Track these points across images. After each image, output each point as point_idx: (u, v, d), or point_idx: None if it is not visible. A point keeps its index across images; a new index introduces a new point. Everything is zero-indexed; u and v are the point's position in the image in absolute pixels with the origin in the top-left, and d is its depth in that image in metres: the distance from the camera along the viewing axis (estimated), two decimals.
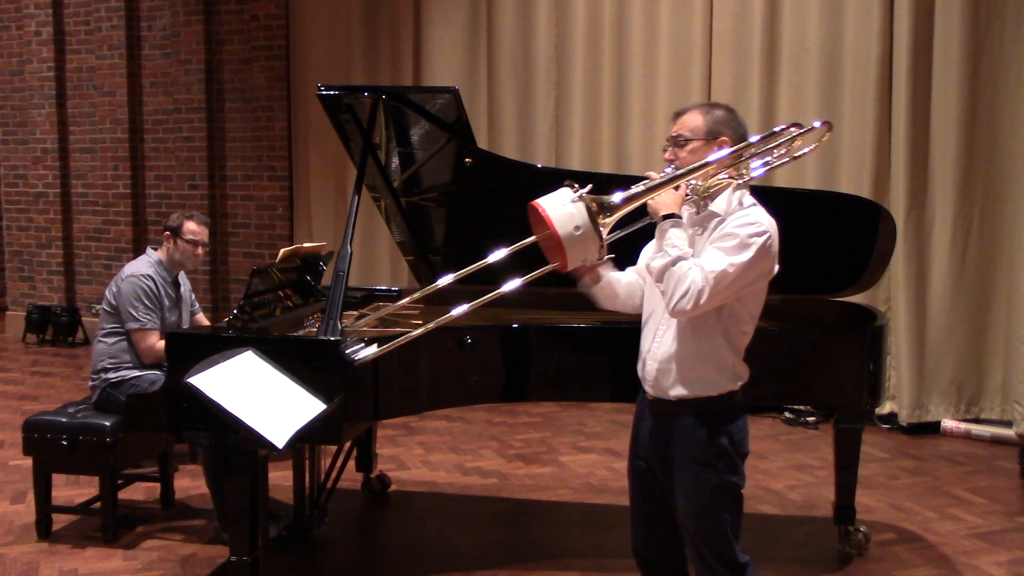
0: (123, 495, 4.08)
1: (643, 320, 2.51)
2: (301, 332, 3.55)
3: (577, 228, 2.15)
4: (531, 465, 4.93)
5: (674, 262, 2.23)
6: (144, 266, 4.02)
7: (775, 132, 2.40)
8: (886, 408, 5.62)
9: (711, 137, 2.37)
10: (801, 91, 5.67)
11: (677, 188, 2.31)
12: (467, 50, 6.72)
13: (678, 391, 2.36)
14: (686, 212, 2.37)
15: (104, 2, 7.87)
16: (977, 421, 5.52)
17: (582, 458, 5.05)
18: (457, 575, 3.57)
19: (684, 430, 2.37)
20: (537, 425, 5.72)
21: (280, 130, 7.56)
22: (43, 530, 3.83)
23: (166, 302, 4.03)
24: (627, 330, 3.31)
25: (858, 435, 3.69)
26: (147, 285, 3.93)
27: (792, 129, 2.40)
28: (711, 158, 2.32)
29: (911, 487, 4.60)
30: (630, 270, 2.63)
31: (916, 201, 5.45)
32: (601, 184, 2.29)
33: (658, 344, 2.41)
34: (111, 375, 3.91)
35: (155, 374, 3.88)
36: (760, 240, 2.24)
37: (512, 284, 2.36)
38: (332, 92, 3.52)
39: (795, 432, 5.57)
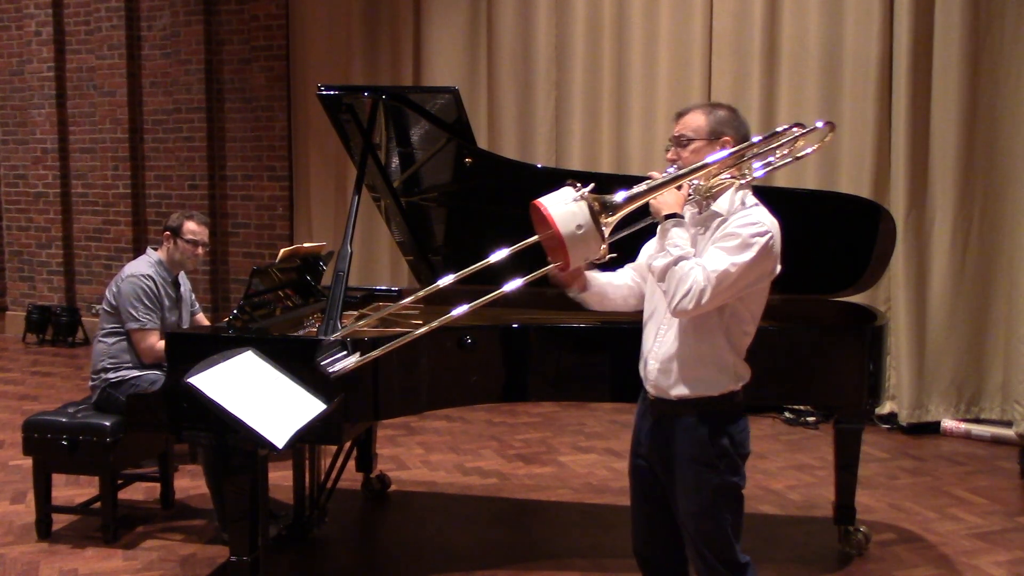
0: (123, 495, 4.08)
1: (644, 320, 2.51)
2: (301, 332, 3.56)
3: (579, 227, 2.15)
4: (531, 465, 4.93)
5: (676, 261, 2.23)
6: (144, 266, 4.02)
7: (777, 132, 2.40)
8: (886, 408, 5.63)
9: (714, 137, 2.37)
10: (801, 91, 5.68)
11: (680, 188, 2.31)
12: (467, 50, 6.72)
13: (679, 391, 2.36)
14: (688, 212, 2.37)
15: (104, 2, 7.87)
16: (977, 421, 5.52)
17: (582, 458, 5.05)
18: (457, 575, 3.57)
19: (685, 430, 2.37)
20: (537, 425, 5.72)
21: (280, 130, 7.56)
22: (43, 530, 3.83)
23: (166, 302, 4.03)
24: (627, 330, 3.31)
25: (858, 435, 3.69)
26: (147, 285, 3.93)
27: (794, 129, 2.40)
28: (713, 158, 2.31)
29: (911, 487, 4.60)
30: (628, 267, 2.62)
31: (916, 201, 5.45)
32: (601, 184, 2.29)
33: (659, 344, 2.41)
34: (111, 375, 3.91)
35: (155, 374, 3.88)
36: (762, 240, 2.24)
37: (512, 284, 2.36)
38: (332, 92, 3.52)
39: (795, 432, 5.57)
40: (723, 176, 2.34)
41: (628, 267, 2.62)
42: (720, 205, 2.35)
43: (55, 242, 8.31)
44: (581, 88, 6.31)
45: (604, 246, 2.19)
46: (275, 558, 3.53)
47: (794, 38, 5.69)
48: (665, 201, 2.29)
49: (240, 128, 7.71)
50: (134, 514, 4.07)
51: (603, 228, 2.16)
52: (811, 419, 5.69)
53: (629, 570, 2.73)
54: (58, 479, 4.00)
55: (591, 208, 2.16)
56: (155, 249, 4.16)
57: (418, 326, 2.57)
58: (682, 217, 2.29)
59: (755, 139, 2.39)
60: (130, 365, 3.93)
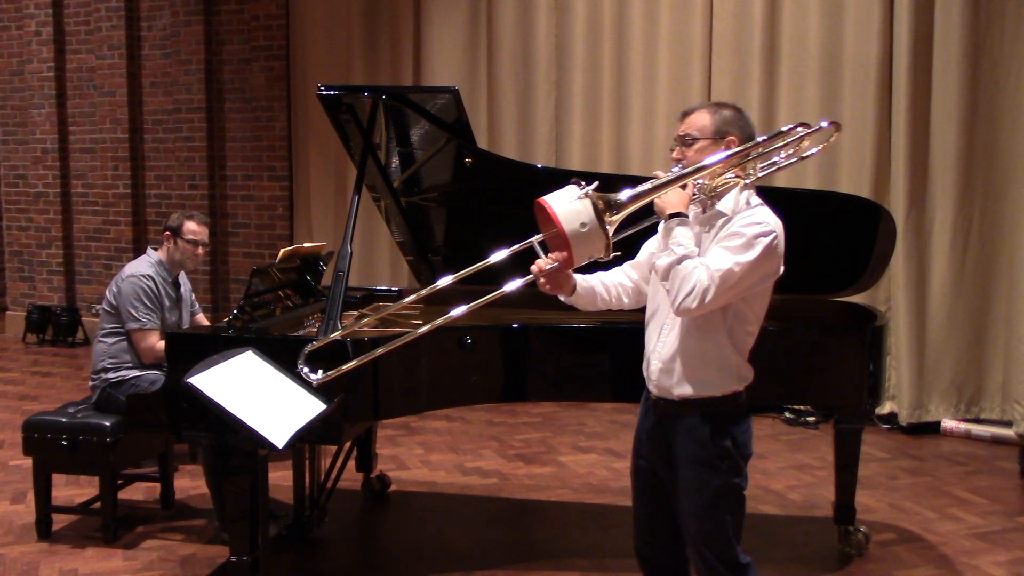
0: (123, 495, 4.08)
1: (647, 319, 2.51)
2: (301, 332, 3.56)
3: (583, 225, 2.15)
4: (531, 465, 4.93)
5: (680, 260, 2.23)
6: (144, 266, 4.02)
7: (782, 132, 2.40)
8: (886, 408, 5.63)
9: (719, 136, 2.37)
10: (801, 91, 5.68)
11: (684, 187, 2.31)
12: (467, 50, 6.72)
13: (682, 391, 2.36)
14: (692, 211, 2.36)
15: (104, 2, 7.87)
16: (977, 421, 5.52)
17: (582, 458, 5.05)
18: (457, 575, 3.57)
19: (687, 430, 2.37)
20: (537, 425, 5.72)
21: (280, 130, 7.56)
22: (43, 530, 3.83)
23: (166, 302, 4.03)
24: (627, 330, 3.32)
25: (858, 435, 3.69)
26: (147, 285, 3.93)
27: (799, 129, 2.39)
28: (718, 157, 2.31)
29: (911, 487, 4.60)
30: (626, 266, 2.61)
31: (916, 201, 5.45)
32: (602, 184, 2.28)
33: (662, 343, 2.41)
34: (111, 375, 3.91)
35: (155, 374, 3.88)
36: (766, 240, 2.23)
37: (511, 285, 2.36)
38: (332, 92, 3.52)
39: (795, 432, 5.57)
40: (728, 176, 2.34)
41: (623, 265, 2.62)
42: (724, 205, 2.35)
43: (55, 242, 8.31)
44: (581, 88, 6.31)
45: (608, 244, 2.18)
46: (275, 558, 3.54)
47: (794, 38, 5.69)
48: (669, 200, 2.29)
49: (240, 128, 7.71)
50: (134, 514, 4.07)
51: (607, 226, 2.16)
52: (811, 419, 5.69)
53: (629, 570, 2.73)
54: (58, 479, 4.00)
55: (595, 206, 2.16)
56: (155, 249, 4.16)
57: (418, 326, 2.56)
58: (686, 216, 2.29)
59: (760, 139, 2.39)
60: (130, 365, 3.93)
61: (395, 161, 3.93)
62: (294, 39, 7.41)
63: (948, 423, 5.52)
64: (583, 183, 2.20)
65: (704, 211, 2.39)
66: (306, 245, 4.12)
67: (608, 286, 2.57)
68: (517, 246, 2.38)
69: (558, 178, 2.37)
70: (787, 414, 5.78)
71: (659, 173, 2.33)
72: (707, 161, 2.32)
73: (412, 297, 2.63)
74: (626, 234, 2.32)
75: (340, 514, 4.12)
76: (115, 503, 3.83)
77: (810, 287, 3.70)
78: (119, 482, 3.98)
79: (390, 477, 4.53)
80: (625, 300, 2.59)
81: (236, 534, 3.08)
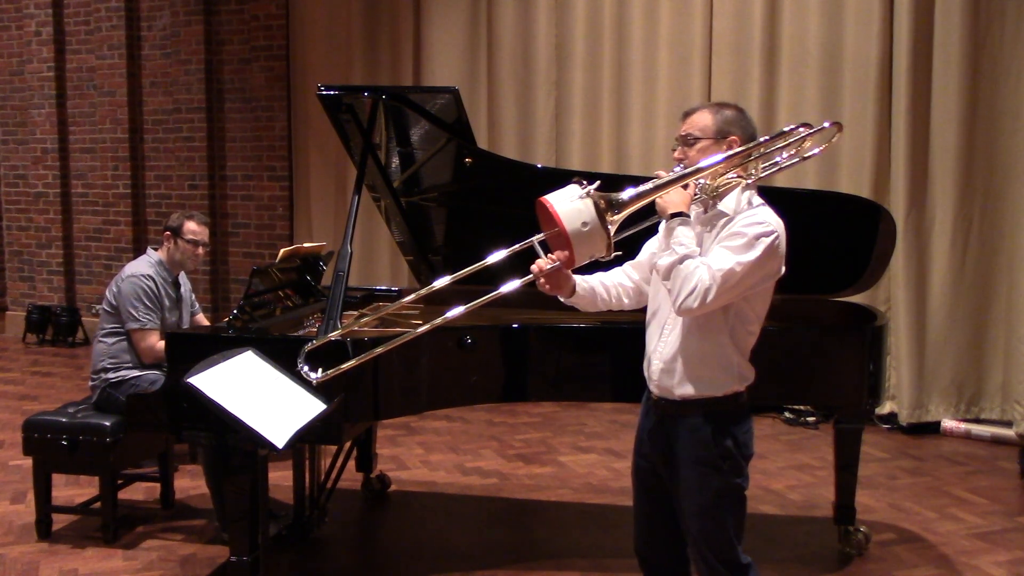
0: (123, 495, 4.07)
1: (648, 319, 2.51)
2: (301, 332, 3.56)
3: (585, 224, 2.15)
4: (531, 465, 4.93)
5: (681, 260, 2.22)
6: (144, 266, 4.02)
7: (784, 132, 2.40)
8: (886, 408, 5.63)
9: (720, 136, 2.37)
10: (801, 91, 5.68)
11: (686, 187, 2.31)
12: (467, 50, 6.72)
13: (683, 391, 2.36)
14: (694, 211, 2.36)
15: (104, 2, 7.87)
16: (977, 421, 5.52)
17: (582, 458, 5.05)
18: (457, 575, 3.57)
19: (689, 431, 2.37)
20: (537, 425, 5.72)
21: (280, 130, 7.56)
22: (43, 530, 3.83)
23: (166, 302, 4.03)
24: (627, 330, 3.32)
25: (858, 435, 3.69)
26: (147, 285, 3.93)
27: (801, 129, 2.39)
28: (720, 157, 2.31)
29: (911, 487, 4.60)
30: (627, 266, 2.61)
31: (916, 201, 5.45)
32: (602, 184, 2.28)
33: (663, 343, 2.41)
34: (111, 375, 3.91)
35: (155, 374, 3.88)
36: (768, 240, 2.23)
37: (508, 286, 2.36)
38: (332, 92, 3.52)
39: (795, 432, 5.57)
40: (729, 176, 2.34)
41: (624, 265, 2.62)
42: (726, 205, 2.34)
43: (55, 242, 8.31)
44: (581, 88, 6.31)
45: (609, 244, 2.18)
46: (275, 558, 3.53)
47: (794, 38, 5.69)
48: (671, 200, 2.29)
49: (240, 128, 7.71)
50: (134, 514, 4.07)
51: (609, 226, 2.16)
52: (811, 419, 5.69)
53: (629, 570, 2.73)
54: (58, 479, 4.00)
55: (597, 206, 2.15)
56: (155, 249, 4.16)
57: (417, 326, 2.56)
58: (688, 216, 2.29)
59: (762, 139, 2.39)
60: (130, 365, 3.93)
61: (395, 161, 3.93)
62: (294, 39, 7.41)
63: (948, 423, 5.52)
64: (585, 182, 2.20)
65: (706, 211, 2.39)
66: (306, 245, 4.12)
67: (608, 286, 2.57)
68: (517, 246, 2.37)
69: (558, 178, 2.37)
70: (787, 414, 5.78)
71: (661, 173, 2.33)
72: (709, 161, 2.32)
73: (410, 297, 2.63)
74: (627, 234, 2.32)
75: (340, 514, 4.12)
76: (115, 503, 3.83)
77: (810, 287, 3.70)
78: (119, 482, 3.98)
79: (390, 477, 4.53)
80: (626, 300, 2.59)
81: (236, 534, 3.08)
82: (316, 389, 2.75)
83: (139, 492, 4.33)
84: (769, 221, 2.27)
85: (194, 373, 2.59)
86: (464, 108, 3.54)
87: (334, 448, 3.97)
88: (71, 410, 3.91)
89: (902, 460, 5.07)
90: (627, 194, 2.22)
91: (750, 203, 2.33)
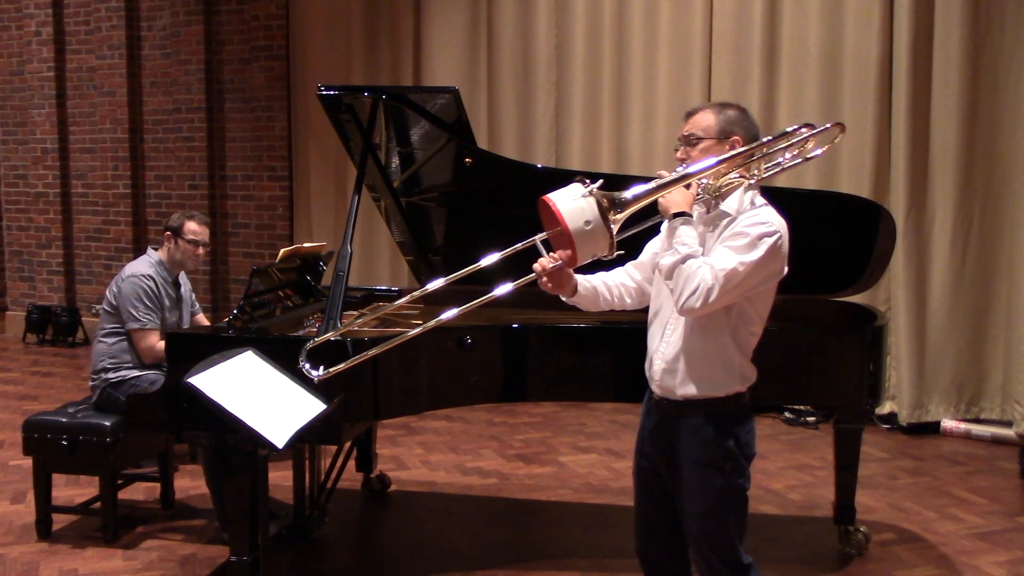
0: (123, 495, 4.08)
1: (649, 319, 2.50)
2: (301, 332, 3.56)
3: (587, 223, 2.15)
4: (531, 465, 4.93)
5: (684, 260, 2.22)
6: (145, 266, 4.02)
7: (787, 132, 2.40)
8: (886, 408, 5.63)
9: (723, 136, 2.37)
10: (801, 91, 5.68)
11: (688, 187, 2.31)
12: (467, 50, 6.72)
13: (685, 391, 2.36)
14: (697, 211, 2.36)
15: (104, 2, 7.87)
16: (977, 421, 5.52)
17: (582, 458, 5.05)
18: (457, 575, 3.57)
19: (690, 431, 2.37)
20: (537, 425, 5.72)
21: (280, 130, 7.56)
22: (43, 530, 3.83)
23: (166, 302, 4.03)
24: (627, 330, 3.33)
25: (858, 435, 3.69)
26: (148, 285, 3.93)
27: (803, 130, 2.39)
28: (722, 157, 2.31)
29: (911, 487, 4.60)
30: (629, 266, 2.61)
31: (916, 201, 5.45)
32: (603, 183, 2.28)
33: (665, 343, 2.40)
34: (111, 375, 3.91)
35: (155, 374, 3.88)
36: (771, 240, 2.23)
37: (502, 289, 2.36)
38: (332, 92, 3.52)
39: (795, 432, 5.57)
40: (732, 176, 2.34)
41: (626, 265, 2.62)
42: (729, 205, 2.34)
43: (55, 242, 8.31)
44: (581, 88, 6.31)
45: (612, 243, 2.18)
46: (275, 558, 3.53)
47: (794, 38, 5.69)
48: (673, 199, 2.28)
49: (240, 128, 7.71)
50: (134, 514, 4.07)
51: (611, 225, 2.16)
52: (811, 419, 5.69)
53: (630, 570, 2.74)
54: (58, 479, 4.00)
55: (599, 204, 2.15)
56: (156, 249, 4.16)
57: (416, 326, 2.56)
58: (690, 215, 2.29)
59: (764, 139, 2.39)
60: (130, 365, 3.93)
61: (395, 161, 3.93)
62: (294, 39, 7.42)
63: (948, 423, 5.52)
64: (587, 181, 2.20)
65: (708, 211, 2.39)
66: (306, 245, 4.13)
67: (610, 286, 2.56)
68: (519, 245, 2.37)
69: (558, 178, 2.37)
70: (787, 414, 5.78)
71: (663, 172, 2.33)
72: (711, 161, 2.32)
73: (404, 300, 2.63)
74: (629, 233, 2.31)
75: (340, 514, 4.12)
76: (115, 503, 3.83)
77: (810, 287, 3.70)
78: (119, 482, 3.98)
79: (390, 477, 4.53)
80: (628, 300, 2.59)
81: (236, 534, 3.08)
82: (316, 389, 2.75)
83: (139, 492, 4.33)
84: (772, 221, 2.27)
85: (194, 373, 2.59)
86: (464, 108, 3.54)
87: (334, 448, 3.97)
88: (71, 410, 3.91)
89: (902, 460, 5.07)
90: (630, 193, 2.22)
91: (753, 203, 2.33)
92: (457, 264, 2.52)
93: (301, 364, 2.46)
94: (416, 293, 2.56)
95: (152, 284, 3.95)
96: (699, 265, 2.21)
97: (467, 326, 3.31)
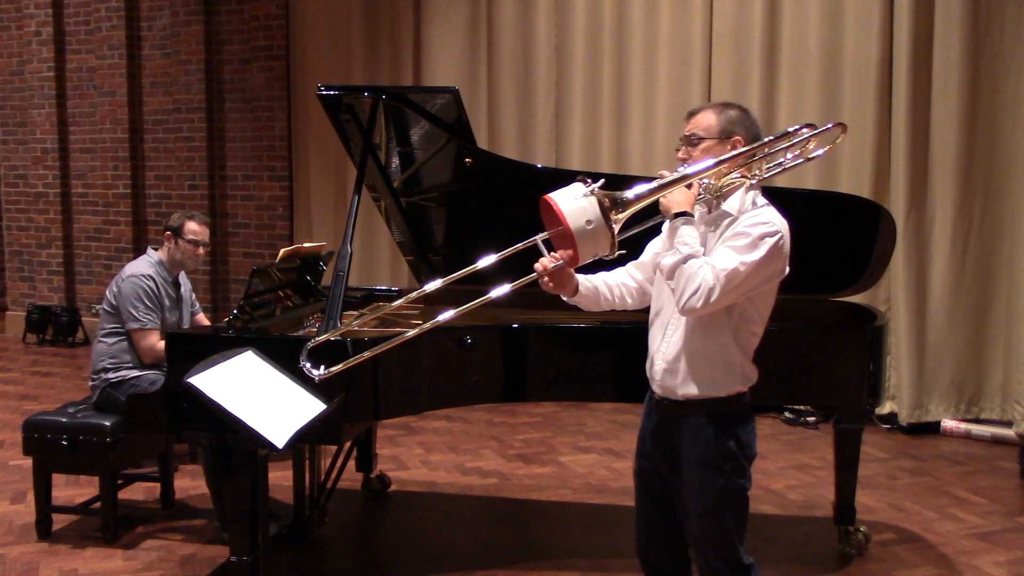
0: (123, 495, 4.08)
1: (651, 319, 2.50)
2: (301, 332, 3.56)
3: (589, 223, 2.15)
4: (531, 465, 4.93)
5: (685, 260, 2.22)
6: (145, 266, 4.02)
7: (789, 132, 2.40)
8: (886, 408, 5.63)
9: (724, 136, 2.37)
10: (801, 91, 5.68)
11: (689, 186, 2.31)
12: (467, 50, 6.72)
13: (686, 391, 2.36)
14: (698, 211, 2.36)
15: (104, 2, 7.87)
16: (977, 421, 5.52)
17: (582, 458, 5.05)
18: (457, 575, 3.57)
19: (691, 431, 2.37)
20: (537, 425, 5.72)
21: (280, 130, 7.56)
22: (43, 530, 3.83)
23: (166, 302, 4.03)
24: (627, 330, 3.33)
25: (858, 435, 3.69)
26: (148, 285, 3.93)
27: (805, 130, 2.39)
28: (723, 157, 2.31)
29: (911, 487, 4.60)
30: (630, 266, 2.61)
31: (916, 201, 5.45)
32: (604, 183, 2.28)
33: (666, 343, 2.40)
34: (111, 375, 3.91)
35: (155, 374, 3.88)
36: (772, 240, 2.23)
37: (499, 291, 2.36)
38: (332, 92, 3.52)
39: (795, 432, 5.57)
40: (733, 176, 2.34)
41: (627, 265, 2.62)
42: (730, 205, 2.34)
43: (55, 242, 8.31)
44: (581, 88, 6.31)
45: (613, 243, 2.18)
46: (275, 558, 3.53)
47: (794, 38, 5.69)
48: (675, 199, 2.28)
49: (240, 128, 7.71)
50: (134, 514, 4.07)
51: (613, 224, 2.16)
52: (811, 419, 5.69)
53: (630, 570, 2.74)
54: (58, 479, 4.00)
55: (601, 204, 2.15)
56: (156, 249, 4.16)
57: (416, 326, 2.57)
58: (692, 215, 2.29)
59: (766, 139, 2.39)
60: (130, 365, 3.93)
61: (395, 161, 3.93)
62: (294, 39, 7.42)
63: (948, 423, 5.52)
64: (589, 180, 2.20)
65: (710, 211, 2.39)
66: (306, 245, 4.13)
67: (612, 286, 2.56)
68: (520, 244, 2.37)
69: (558, 178, 2.37)
70: (787, 414, 5.78)
71: (665, 172, 2.33)
72: (712, 161, 2.31)
73: (401, 301, 2.63)
74: (630, 233, 2.31)
75: (340, 514, 4.12)
76: (115, 503, 3.83)
77: (810, 287, 3.69)
78: (119, 482, 3.98)
79: (390, 477, 4.53)
80: (629, 300, 2.59)
81: (236, 534, 3.07)
82: (316, 389, 2.75)
83: (139, 492, 4.33)
84: (773, 221, 2.27)
85: (194, 373, 2.59)
86: (464, 108, 3.54)
87: (334, 448, 3.97)
88: (71, 410, 3.91)
89: (902, 460, 5.07)
90: (631, 192, 2.22)
91: (754, 203, 2.33)
92: (457, 264, 2.52)
93: (302, 363, 2.46)
94: (414, 294, 2.56)
95: (152, 284, 3.95)
96: (700, 265, 2.21)
97: (467, 326, 3.31)
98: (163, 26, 7.78)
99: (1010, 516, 4.21)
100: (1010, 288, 5.36)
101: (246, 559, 3.05)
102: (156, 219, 7.90)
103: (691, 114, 2.44)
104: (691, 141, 2.40)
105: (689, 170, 2.31)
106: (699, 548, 2.41)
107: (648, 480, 2.53)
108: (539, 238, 2.33)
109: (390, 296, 4.44)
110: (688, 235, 2.25)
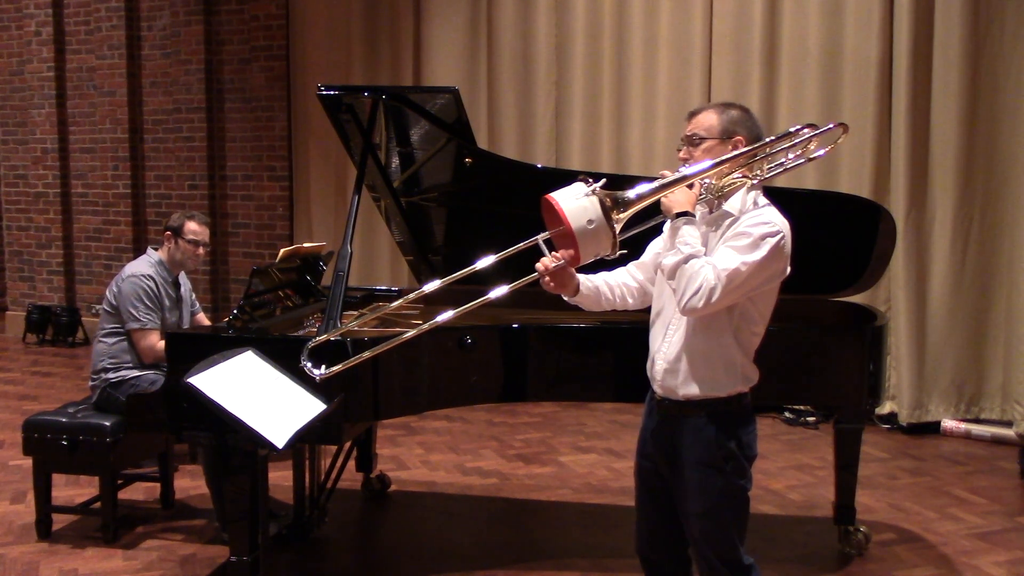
0: (123, 495, 4.07)
1: (652, 319, 2.50)
2: (301, 332, 3.56)
3: (590, 222, 2.14)
4: (531, 465, 4.93)
5: (686, 260, 2.22)
6: (145, 266, 4.02)
7: (790, 132, 2.40)
8: (886, 408, 5.63)
9: (726, 136, 2.37)
10: (801, 91, 5.68)
11: (691, 186, 2.31)
12: (467, 50, 6.72)
13: (687, 391, 2.36)
14: (699, 211, 2.36)
15: (104, 2, 7.87)
16: (977, 421, 5.52)
17: (582, 458, 5.05)
18: (457, 575, 3.57)
19: (692, 431, 2.36)
20: (537, 425, 5.72)
21: (280, 130, 7.56)
22: (43, 530, 3.83)
23: (166, 302, 4.03)
24: (627, 330, 3.33)
25: (858, 435, 3.69)
26: (148, 285, 3.93)
27: (806, 130, 2.39)
28: (724, 157, 2.31)
29: (911, 487, 4.60)
30: (631, 266, 2.61)
31: (916, 201, 5.45)
32: (605, 183, 2.28)
33: (667, 343, 2.40)
34: (111, 375, 3.91)
35: (155, 374, 3.88)
36: (773, 240, 2.23)
37: (497, 291, 2.36)
38: (332, 92, 3.52)
39: (795, 432, 5.57)
40: (735, 176, 2.34)
41: (628, 265, 2.62)
42: (732, 205, 2.34)
43: (55, 242, 8.31)
44: (581, 88, 6.31)
45: (614, 242, 2.18)
46: (275, 558, 3.53)
47: (794, 38, 5.69)
48: (676, 199, 2.28)
49: (240, 128, 7.71)
50: (134, 514, 4.07)
51: (614, 224, 2.16)
52: (811, 419, 5.69)
53: (630, 570, 2.74)
54: (58, 479, 4.00)
55: (603, 203, 2.15)
56: (156, 249, 4.16)
57: (416, 326, 2.56)
58: (693, 215, 2.29)
59: (767, 139, 2.39)
60: (130, 365, 3.93)
61: (395, 161, 3.93)
62: (294, 39, 7.42)
63: (948, 423, 5.52)
64: (590, 180, 2.20)
65: (711, 211, 2.39)
66: (306, 245, 4.13)
67: (612, 286, 2.56)
68: (522, 244, 2.37)
69: (559, 178, 2.37)
70: (787, 414, 5.78)
71: (666, 172, 2.33)
72: (713, 160, 2.32)
73: (399, 301, 2.63)
74: (631, 233, 2.31)
75: (340, 514, 4.12)
76: (115, 503, 3.83)
77: (810, 287, 3.69)
78: (119, 482, 3.98)
79: (390, 477, 4.53)
80: (630, 300, 2.59)
81: (236, 534, 3.07)
82: (316, 389, 2.75)
83: (139, 492, 4.33)
84: (775, 221, 2.27)
85: (194, 373, 2.59)
86: (464, 108, 3.54)
87: (334, 448, 3.97)
88: (71, 410, 3.91)
89: (902, 460, 5.07)
90: (633, 192, 2.21)
91: (756, 203, 2.33)
92: (457, 264, 2.52)
93: (303, 363, 2.46)
94: (414, 295, 2.56)
95: (152, 284, 3.95)
96: (702, 265, 2.21)
97: (467, 326, 3.31)
98: (163, 26, 7.78)
99: (1010, 516, 4.21)
100: (1010, 288, 5.36)
101: (246, 559, 3.05)
102: (156, 219, 7.90)
103: (692, 114, 2.44)
104: (692, 141, 2.40)
105: (690, 170, 2.31)
106: (699, 548, 2.41)
107: (649, 480, 2.52)
108: (540, 238, 2.33)
109: (390, 296, 4.44)
110: (689, 235, 2.25)
